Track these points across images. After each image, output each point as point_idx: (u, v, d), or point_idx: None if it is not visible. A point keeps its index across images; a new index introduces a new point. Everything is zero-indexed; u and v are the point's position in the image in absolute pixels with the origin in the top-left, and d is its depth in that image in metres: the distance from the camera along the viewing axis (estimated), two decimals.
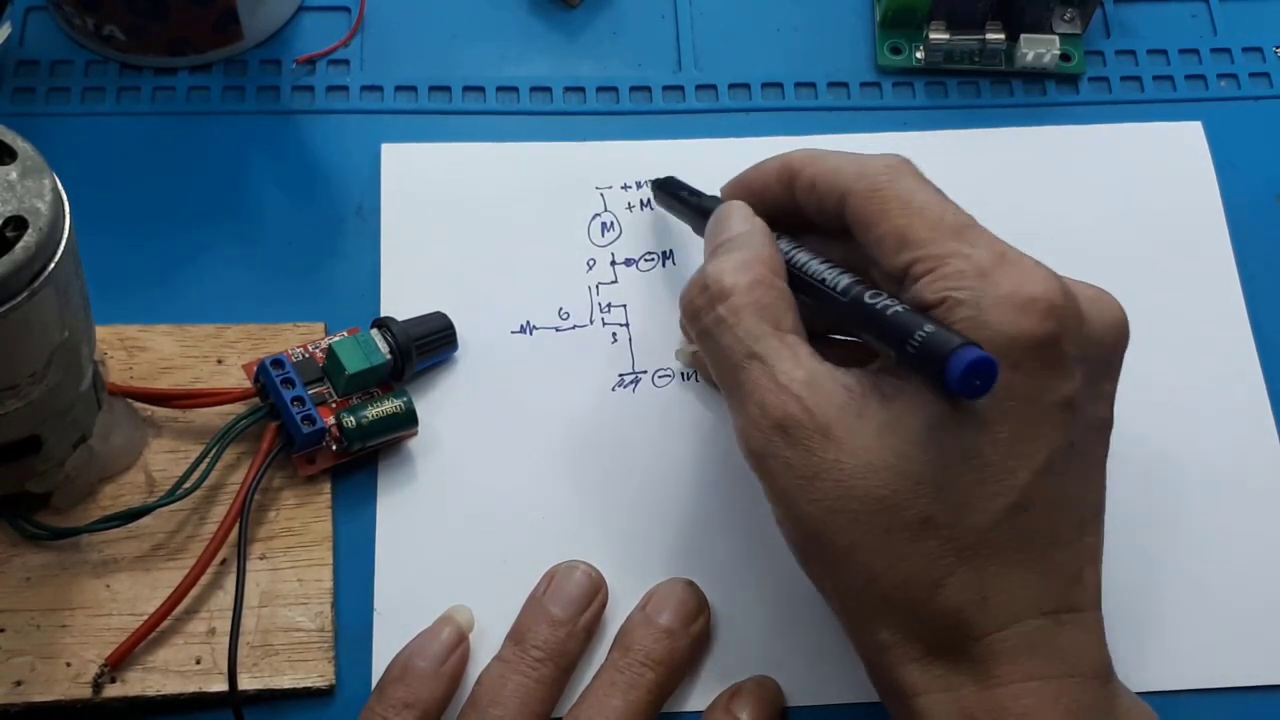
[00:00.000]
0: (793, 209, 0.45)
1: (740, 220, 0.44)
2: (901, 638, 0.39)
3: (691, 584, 0.46)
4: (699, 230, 0.48)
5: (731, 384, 0.41)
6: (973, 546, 0.38)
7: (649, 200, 0.53)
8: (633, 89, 0.56)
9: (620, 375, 0.50)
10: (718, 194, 0.48)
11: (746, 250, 0.43)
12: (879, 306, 0.40)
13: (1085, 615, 0.40)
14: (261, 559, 0.46)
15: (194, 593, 0.44)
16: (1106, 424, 0.41)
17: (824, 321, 0.44)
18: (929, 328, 0.38)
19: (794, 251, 0.44)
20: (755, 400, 0.40)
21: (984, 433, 0.38)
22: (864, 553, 0.39)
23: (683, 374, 0.50)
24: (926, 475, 0.38)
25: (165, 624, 0.44)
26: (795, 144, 0.54)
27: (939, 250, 0.40)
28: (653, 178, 0.52)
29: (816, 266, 0.43)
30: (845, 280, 0.42)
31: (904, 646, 0.39)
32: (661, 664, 0.44)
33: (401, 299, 0.51)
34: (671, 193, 0.51)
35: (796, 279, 0.43)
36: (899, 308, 0.39)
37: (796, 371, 0.40)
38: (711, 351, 0.42)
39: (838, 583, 0.40)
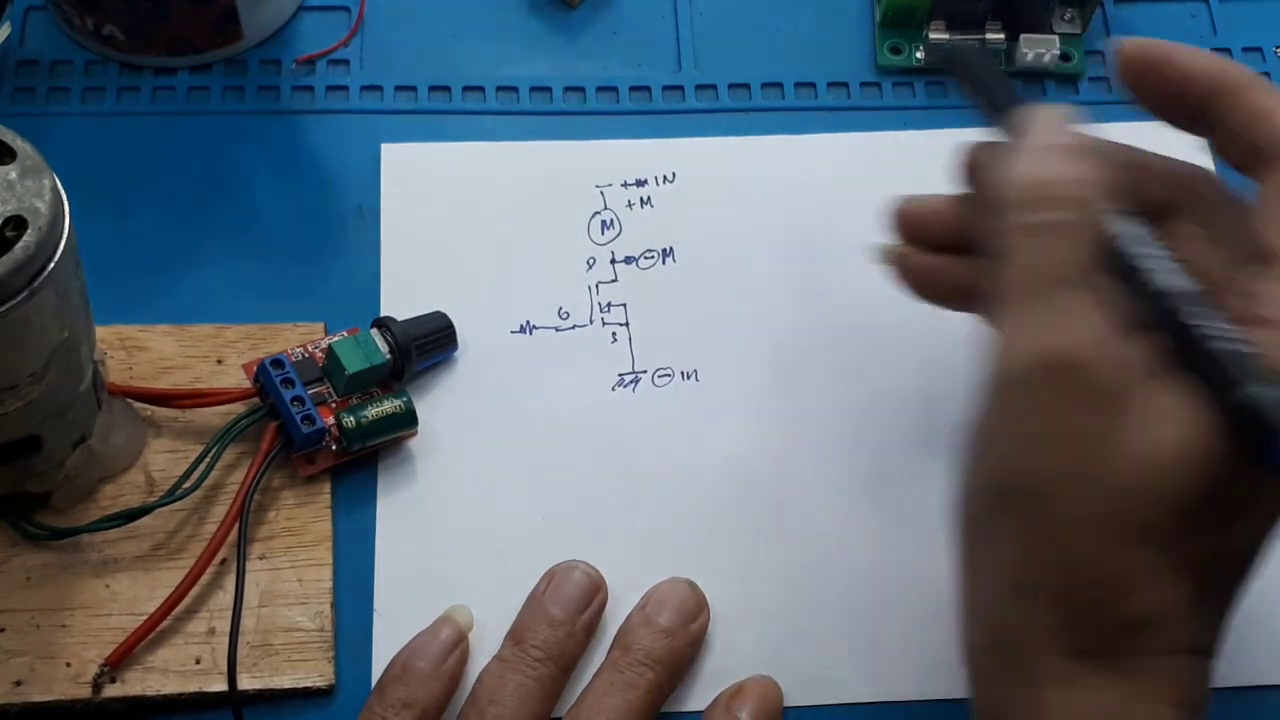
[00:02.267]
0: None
1: (1060, 132, 0.38)
2: (1062, 627, 0.36)
3: (691, 584, 0.46)
4: (992, 120, 0.41)
5: (1022, 296, 0.36)
6: (1186, 569, 0.35)
7: (649, 198, 0.53)
8: (632, 89, 0.56)
9: (620, 375, 0.50)
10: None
11: (1091, 161, 0.37)
12: (1203, 332, 0.34)
13: (1214, 661, 0.37)
14: (261, 559, 0.46)
15: (194, 593, 0.44)
16: None
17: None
18: (1260, 388, 0.32)
19: (1119, 222, 0.37)
20: (1044, 326, 0.35)
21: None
22: (1074, 538, 0.35)
23: (682, 373, 0.50)
24: (1194, 492, 0.34)
25: (165, 624, 0.44)
26: (795, 144, 0.55)
27: None
28: (944, 47, 0.47)
29: (1143, 248, 0.36)
30: (1173, 279, 0.35)
31: (1059, 636, 0.36)
32: (661, 664, 0.44)
33: (401, 299, 0.51)
34: (967, 70, 0.42)
35: (1113, 258, 0.36)
36: (1228, 342, 0.33)
37: (1103, 325, 0.35)
38: (1021, 252, 0.36)
39: (1022, 546, 0.36)
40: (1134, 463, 0.34)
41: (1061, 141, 0.37)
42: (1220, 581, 0.37)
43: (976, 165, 0.42)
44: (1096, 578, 0.35)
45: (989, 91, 0.41)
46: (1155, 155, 0.40)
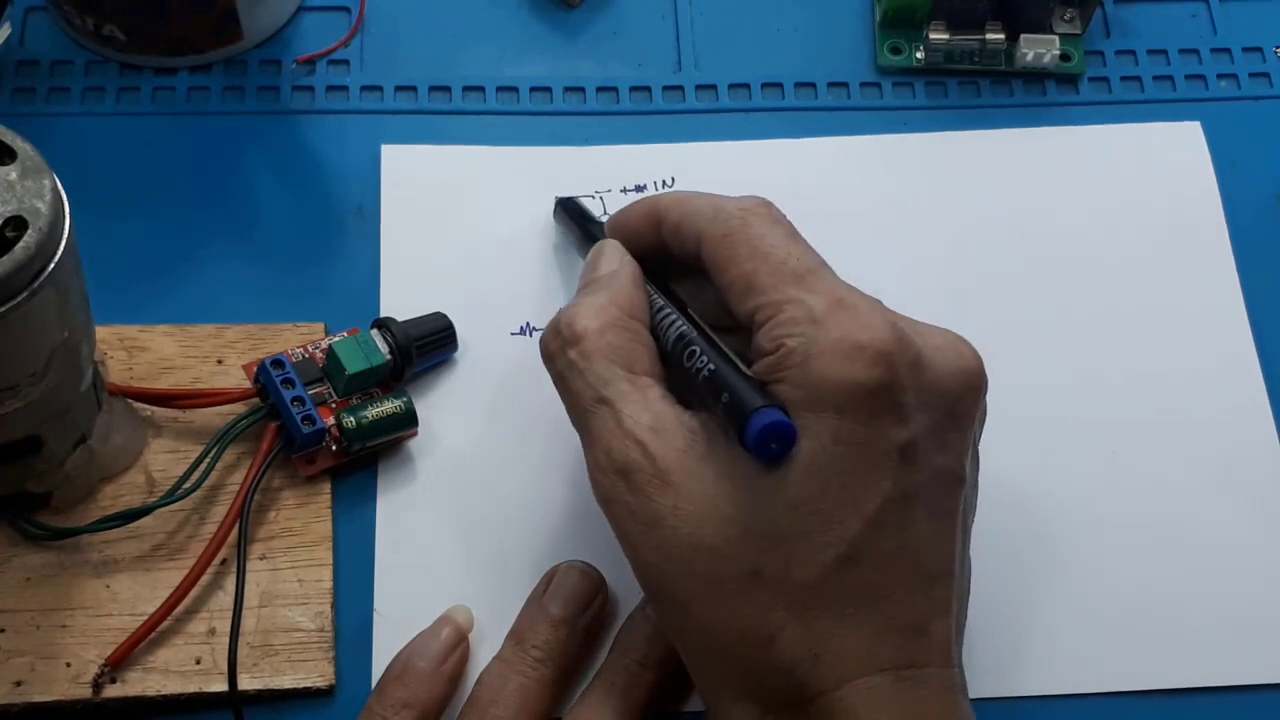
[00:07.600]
0: (664, 251, 0.45)
1: (610, 260, 0.44)
2: (743, 697, 0.38)
3: None
4: (583, 256, 0.48)
5: (582, 428, 0.41)
6: (802, 600, 0.37)
7: None
8: (633, 89, 0.56)
9: None
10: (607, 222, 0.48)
11: (604, 293, 0.43)
12: (692, 370, 0.40)
13: (930, 671, 0.38)
14: (262, 559, 0.46)
15: (194, 593, 0.44)
16: (955, 475, 0.40)
17: None
18: (726, 397, 0.38)
19: (654, 297, 0.44)
20: (601, 445, 0.40)
21: (814, 481, 0.37)
22: (700, 605, 0.38)
23: None
24: (756, 525, 0.38)
25: (165, 624, 0.44)
26: (792, 148, 0.55)
27: (778, 296, 0.39)
28: (559, 196, 0.52)
29: (659, 319, 0.43)
30: (675, 334, 0.42)
31: (745, 706, 0.38)
32: (660, 664, 0.44)
33: (401, 299, 0.51)
34: (569, 215, 0.51)
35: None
36: (709, 369, 0.40)
37: (642, 416, 0.40)
38: (564, 395, 0.42)
39: (684, 637, 0.40)
40: (694, 524, 0.38)
41: (589, 276, 0.44)
42: (886, 588, 0.38)
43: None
44: (736, 638, 0.38)
45: (585, 227, 0.49)
46: (687, 222, 0.43)
